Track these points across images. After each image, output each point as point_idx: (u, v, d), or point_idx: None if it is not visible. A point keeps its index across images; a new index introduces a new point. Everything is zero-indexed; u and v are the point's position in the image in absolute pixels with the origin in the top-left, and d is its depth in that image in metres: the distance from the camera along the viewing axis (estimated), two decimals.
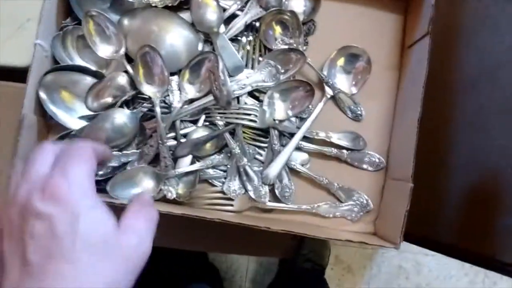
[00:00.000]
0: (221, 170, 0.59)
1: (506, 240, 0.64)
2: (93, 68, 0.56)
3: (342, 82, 0.60)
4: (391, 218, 0.56)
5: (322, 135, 0.59)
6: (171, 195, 0.55)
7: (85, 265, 0.32)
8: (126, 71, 0.55)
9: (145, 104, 0.56)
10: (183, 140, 0.57)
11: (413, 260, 1.23)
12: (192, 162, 0.57)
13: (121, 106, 0.56)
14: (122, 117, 0.55)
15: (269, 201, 0.58)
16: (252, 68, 0.58)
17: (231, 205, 0.58)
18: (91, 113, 0.55)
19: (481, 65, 0.71)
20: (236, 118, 0.56)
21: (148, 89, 0.55)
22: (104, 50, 0.55)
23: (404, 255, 1.19)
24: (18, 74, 0.60)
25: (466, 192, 0.71)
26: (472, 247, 0.69)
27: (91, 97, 0.55)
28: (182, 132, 0.57)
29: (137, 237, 0.36)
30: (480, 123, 0.70)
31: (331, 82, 0.59)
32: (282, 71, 0.56)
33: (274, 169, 0.57)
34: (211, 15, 0.56)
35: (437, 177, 0.73)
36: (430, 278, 1.23)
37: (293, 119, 0.59)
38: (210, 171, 0.58)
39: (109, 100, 0.55)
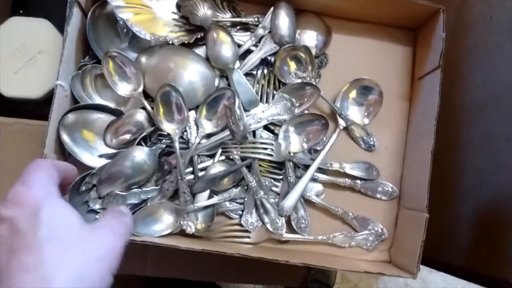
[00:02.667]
0: (238, 203, 0.59)
1: None
2: (112, 106, 0.57)
3: (355, 113, 0.61)
4: (407, 247, 0.57)
5: (336, 166, 0.60)
6: (190, 229, 0.56)
7: (49, 254, 0.32)
8: (144, 108, 0.56)
9: (163, 141, 0.57)
10: (201, 173, 0.57)
11: (419, 277, 1.23)
12: (210, 196, 0.58)
13: (139, 143, 0.57)
14: (141, 154, 0.55)
15: (285, 232, 0.59)
16: (267, 102, 0.59)
17: (248, 237, 0.59)
18: (111, 151, 0.56)
19: (488, 90, 0.73)
20: (253, 153, 0.57)
21: (168, 127, 0.56)
22: (123, 88, 0.55)
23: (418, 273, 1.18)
24: (26, 107, 0.62)
25: (476, 216, 0.72)
26: (483, 270, 0.70)
27: (110, 134, 0.56)
28: (199, 166, 0.58)
29: (108, 235, 0.37)
30: (488, 147, 0.71)
31: (344, 114, 0.60)
32: (297, 104, 0.58)
33: (290, 201, 0.58)
34: (227, 51, 0.57)
35: (446, 200, 0.74)
36: None
37: (306, 150, 0.60)
38: (227, 204, 0.59)
39: (127, 137, 0.56)
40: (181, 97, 0.55)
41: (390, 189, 0.61)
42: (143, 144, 0.57)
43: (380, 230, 0.60)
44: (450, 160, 0.74)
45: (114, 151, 0.56)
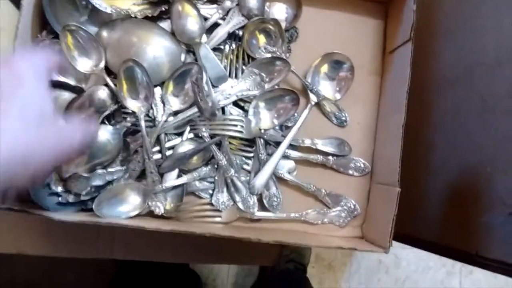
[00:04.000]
0: (208, 182, 0.58)
1: (487, 237, 0.65)
2: (72, 83, 0.54)
3: (326, 88, 0.60)
4: (379, 222, 0.56)
5: (307, 142, 0.59)
6: (159, 210, 0.54)
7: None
8: (106, 85, 0.54)
9: (128, 119, 0.55)
10: (168, 152, 0.55)
11: (392, 254, 1.26)
12: (179, 176, 0.56)
13: (102, 121, 0.54)
14: (104, 133, 0.53)
15: (257, 210, 0.57)
16: (236, 77, 0.57)
17: (219, 216, 0.57)
18: None
19: (458, 65, 0.73)
20: (222, 130, 0.55)
21: (132, 105, 0.53)
22: (83, 64, 0.53)
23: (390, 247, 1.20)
24: None
25: (446, 191, 0.72)
26: (454, 244, 0.70)
27: (72, 113, 0.53)
28: (167, 145, 0.56)
29: (75, 130, 0.44)
30: (458, 123, 0.71)
31: (315, 89, 0.59)
32: (267, 79, 0.56)
33: (261, 179, 0.56)
34: (193, 25, 0.55)
35: (417, 176, 0.74)
36: (409, 270, 1.26)
37: (277, 127, 0.59)
38: (197, 183, 0.57)
39: (89, 115, 0.54)
40: (146, 72, 0.52)
41: (362, 165, 0.60)
42: (107, 123, 0.55)
43: (352, 206, 0.60)
44: (421, 135, 0.74)
45: None
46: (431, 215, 0.73)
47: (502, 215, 0.63)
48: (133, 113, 0.54)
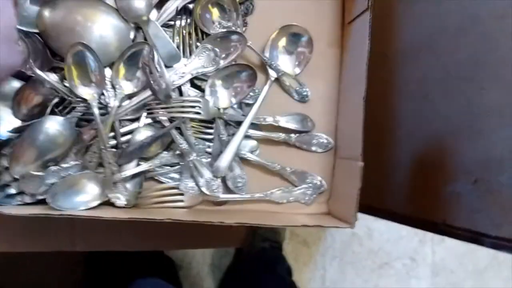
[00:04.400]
0: (168, 165, 0.56)
1: (454, 206, 0.66)
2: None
3: (285, 63, 0.58)
4: (344, 197, 0.56)
5: (269, 120, 0.57)
6: (120, 202, 0.52)
7: None
8: (53, 68, 0.51)
9: (78, 107, 0.51)
10: (124, 138, 0.53)
11: (364, 226, 1.27)
12: (138, 164, 0.53)
13: (52, 111, 0.51)
14: (55, 125, 0.50)
15: (222, 193, 0.56)
16: (190, 55, 0.54)
17: (182, 200, 0.55)
18: (18, 123, 0.50)
19: (421, 33, 0.72)
20: (179, 112, 0.53)
21: (84, 91, 0.50)
22: None
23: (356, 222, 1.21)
24: None
25: (412, 162, 0.72)
26: (422, 214, 0.71)
27: (18, 104, 0.50)
28: (122, 130, 0.53)
29: None
30: (423, 93, 0.71)
31: (274, 64, 0.56)
32: (223, 55, 0.53)
33: (224, 161, 0.54)
34: (139, 2, 0.52)
35: (383, 147, 0.74)
36: (382, 241, 1.27)
37: (237, 105, 0.56)
38: (156, 168, 0.55)
39: (37, 105, 0.51)
40: (97, 56, 0.49)
41: (325, 141, 0.59)
42: (57, 112, 0.52)
43: (319, 183, 0.59)
44: (386, 107, 0.73)
45: (21, 123, 0.50)
46: (398, 187, 0.73)
47: (467, 183, 0.64)
48: (84, 100, 0.51)
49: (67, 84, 0.51)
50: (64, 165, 0.51)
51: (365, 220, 1.22)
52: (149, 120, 0.54)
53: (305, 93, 0.58)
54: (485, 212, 0.61)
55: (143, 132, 0.53)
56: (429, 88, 0.71)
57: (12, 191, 0.51)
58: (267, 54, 0.57)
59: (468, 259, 1.33)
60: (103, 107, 0.52)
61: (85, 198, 0.51)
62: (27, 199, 0.50)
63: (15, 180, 0.51)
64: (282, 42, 0.57)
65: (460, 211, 0.65)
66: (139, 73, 0.52)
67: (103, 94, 0.52)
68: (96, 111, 0.51)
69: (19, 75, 0.50)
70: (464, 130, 0.67)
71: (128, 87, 0.52)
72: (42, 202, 0.51)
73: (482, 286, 1.34)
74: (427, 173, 0.71)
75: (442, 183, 0.68)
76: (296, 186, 0.58)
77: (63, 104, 0.52)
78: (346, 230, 1.24)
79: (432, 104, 0.71)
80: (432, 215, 0.69)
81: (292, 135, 0.57)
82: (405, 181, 0.73)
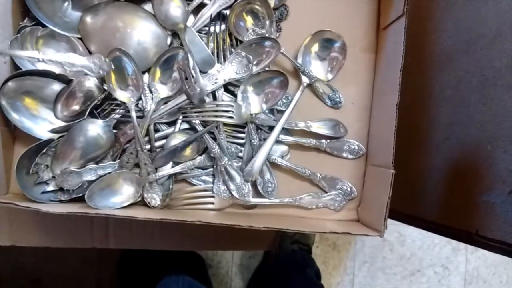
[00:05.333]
0: (200, 168, 0.57)
1: (487, 216, 0.64)
2: (56, 70, 0.53)
3: (318, 68, 0.58)
4: (374, 205, 0.55)
5: (301, 125, 0.57)
6: (155, 202, 0.53)
7: None
8: None
9: (117, 110, 0.53)
10: (160, 143, 0.54)
11: (396, 231, 1.25)
12: (172, 166, 0.55)
13: (91, 112, 0.53)
14: (95, 128, 0.52)
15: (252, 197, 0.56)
16: (224, 61, 0.55)
17: (212, 203, 0.57)
18: (60, 122, 0.52)
19: (457, 37, 0.70)
20: (213, 116, 0.54)
21: (122, 95, 0.52)
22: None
23: (387, 227, 1.19)
24: None
25: (446, 169, 0.71)
26: (455, 223, 0.69)
27: (60, 105, 0.52)
28: (159, 134, 0.55)
29: None
30: (459, 98, 0.69)
31: (307, 71, 0.57)
32: (255, 62, 0.54)
33: (256, 166, 0.55)
34: (175, 10, 0.53)
35: (417, 154, 0.73)
36: (414, 248, 1.25)
37: (268, 111, 0.57)
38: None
39: (77, 107, 0.53)
40: (134, 62, 0.51)
41: (356, 147, 0.59)
42: (95, 113, 0.54)
43: (349, 189, 0.59)
44: (420, 113, 0.72)
45: (63, 123, 0.52)
46: (431, 194, 0.72)
47: (502, 194, 0.62)
48: (122, 103, 0.53)
49: (106, 88, 0.53)
50: (101, 165, 0.53)
51: (396, 226, 1.21)
52: (185, 125, 0.55)
53: (338, 99, 0.58)
54: None
55: (177, 137, 0.54)
56: (465, 94, 0.69)
57: (50, 188, 0.53)
58: (299, 60, 0.57)
59: (502, 269, 1.29)
60: (140, 110, 0.54)
61: (120, 198, 0.53)
62: (63, 197, 0.52)
63: (54, 178, 0.53)
64: (315, 47, 0.57)
65: (493, 221, 0.63)
66: (174, 78, 0.53)
67: (140, 98, 0.53)
68: (133, 114, 0.52)
69: (60, 78, 0.52)
70: (500, 138, 0.65)
71: (163, 90, 0.54)
72: (77, 200, 0.53)
73: None
74: (461, 181, 0.69)
75: (476, 192, 0.67)
76: (326, 192, 0.59)
77: (102, 107, 0.54)
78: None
79: (468, 111, 0.69)
80: (464, 225, 0.68)
81: (323, 140, 0.58)
82: (438, 188, 0.72)
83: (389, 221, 0.51)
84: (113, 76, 0.52)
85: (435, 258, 1.27)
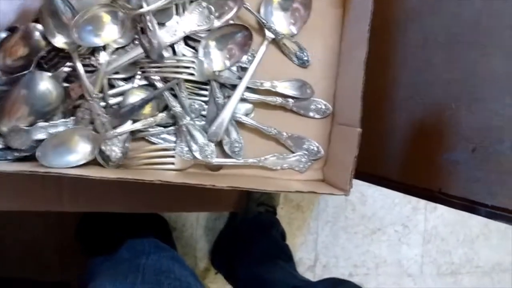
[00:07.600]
0: (161, 126, 0.54)
1: (450, 174, 0.65)
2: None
3: (280, 20, 0.55)
4: (340, 164, 0.55)
5: (267, 85, 0.55)
6: (116, 154, 0.50)
7: None
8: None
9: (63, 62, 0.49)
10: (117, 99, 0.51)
11: (358, 191, 1.27)
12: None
13: (39, 65, 0.49)
14: (43, 81, 0.48)
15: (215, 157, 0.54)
16: (183, 13, 0.52)
17: (172, 163, 0.54)
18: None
19: None
20: (173, 73, 0.51)
21: (61, 41, 0.48)
22: None
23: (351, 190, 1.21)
24: None
25: (410, 128, 0.71)
26: (418, 181, 0.70)
27: (2, 55, 0.48)
28: (115, 91, 0.51)
29: None
30: (424, 57, 0.69)
31: (273, 28, 0.54)
32: (217, 14, 0.51)
33: (221, 125, 0.53)
34: None
35: (380, 114, 0.72)
36: (375, 207, 1.28)
37: (234, 68, 0.54)
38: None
39: (22, 59, 0.48)
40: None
41: (323, 107, 0.57)
42: (43, 65, 0.49)
43: (315, 149, 0.58)
44: (385, 71, 0.71)
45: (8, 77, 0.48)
46: (394, 153, 0.72)
47: (465, 152, 0.63)
48: (66, 53, 0.49)
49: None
50: (53, 122, 0.50)
51: (359, 186, 1.22)
52: (144, 82, 0.52)
53: (305, 58, 0.56)
54: (482, 181, 0.60)
55: (135, 93, 0.51)
56: (431, 52, 0.68)
57: None
58: (262, 11, 0.54)
59: (459, 228, 1.35)
60: (93, 66, 0.50)
61: (76, 156, 0.50)
62: (11, 156, 0.49)
63: (1, 136, 0.49)
64: None
65: (456, 179, 0.64)
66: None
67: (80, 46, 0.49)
68: (76, 61, 0.48)
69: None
70: (465, 96, 0.65)
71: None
72: (27, 160, 0.49)
73: (472, 254, 1.37)
74: (425, 140, 0.69)
75: (440, 150, 0.67)
76: (292, 152, 0.57)
77: (53, 61, 0.50)
78: (339, 196, 1.25)
79: (433, 70, 0.69)
80: (428, 183, 0.68)
81: (290, 99, 0.56)
82: (402, 147, 0.72)
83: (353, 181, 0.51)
84: (49, 20, 0.48)
85: (395, 217, 1.30)
